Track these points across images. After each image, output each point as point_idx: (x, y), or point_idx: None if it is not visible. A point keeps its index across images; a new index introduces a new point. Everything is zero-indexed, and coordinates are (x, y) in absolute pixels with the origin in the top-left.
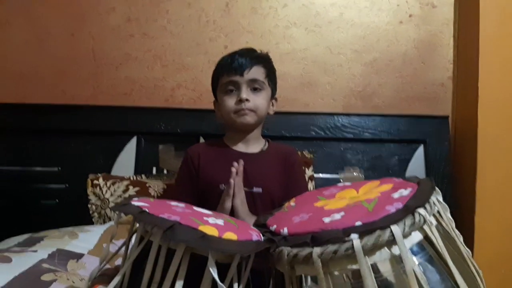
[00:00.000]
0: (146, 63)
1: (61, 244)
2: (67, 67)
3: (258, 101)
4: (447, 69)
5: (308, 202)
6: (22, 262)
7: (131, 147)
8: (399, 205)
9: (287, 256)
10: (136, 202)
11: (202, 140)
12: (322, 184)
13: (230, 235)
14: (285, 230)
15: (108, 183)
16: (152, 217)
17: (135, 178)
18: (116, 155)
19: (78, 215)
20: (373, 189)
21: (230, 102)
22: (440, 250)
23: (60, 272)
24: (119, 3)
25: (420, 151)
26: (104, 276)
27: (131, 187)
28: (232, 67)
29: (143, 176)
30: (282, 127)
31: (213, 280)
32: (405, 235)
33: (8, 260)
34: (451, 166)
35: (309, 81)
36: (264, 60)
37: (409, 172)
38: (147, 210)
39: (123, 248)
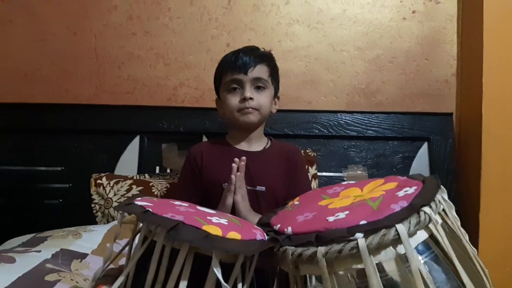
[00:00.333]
0: (148, 61)
1: (64, 244)
2: (70, 66)
3: (261, 100)
4: (450, 66)
5: (312, 201)
6: (26, 262)
7: (134, 146)
8: (404, 204)
9: (291, 256)
10: (139, 202)
11: (205, 138)
12: (325, 182)
13: (234, 235)
14: (289, 229)
15: (112, 183)
16: (155, 216)
17: (138, 177)
18: (119, 155)
19: (82, 215)
20: (377, 188)
21: (234, 100)
22: (446, 249)
23: (64, 272)
24: (121, 1)
25: (424, 148)
26: (108, 276)
27: (134, 187)
28: (236, 65)
29: (146, 175)
30: (285, 125)
31: (217, 280)
32: (411, 234)
33: (12, 260)
34: (455, 163)
35: (312, 78)
36: (267, 59)
37: (413, 169)
38: (150, 210)
39: (127, 248)
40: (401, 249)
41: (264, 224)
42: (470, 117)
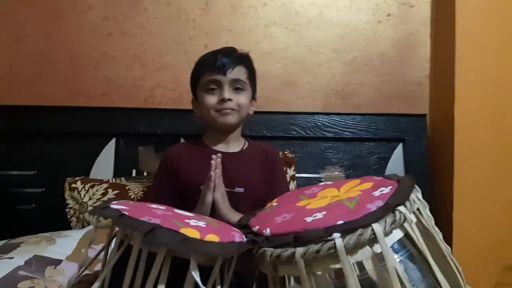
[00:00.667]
0: (124, 62)
1: (38, 250)
2: (43, 67)
3: (240, 100)
4: (424, 68)
5: (290, 202)
6: None
7: (110, 149)
8: (380, 203)
9: (270, 257)
10: (115, 206)
11: (182, 140)
12: (303, 183)
13: (212, 237)
14: (267, 231)
15: (87, 187)
16: (132, 220)
17: (114, 181)
18: (94, 158)
19: (56, 220)
20: (354, 188)
21: (212, 100)
22: (421, 248)
23: (38, 279)
24: (96, 0)
25: (399, 149)
26: (83, 282)
27: (110, 190)
28: (215, 66)
29: (122, 178)
30: (264, 127)
31: (196, 283)
32: (386, 233)
33: None
34: (429, 163)
35: (290, 80)
36: (246, 61)
37: (389, 170)
38: (126, 214)
39: (103, 253)
40: (377, 248)
41: (243, 226)
42: (443, 118)
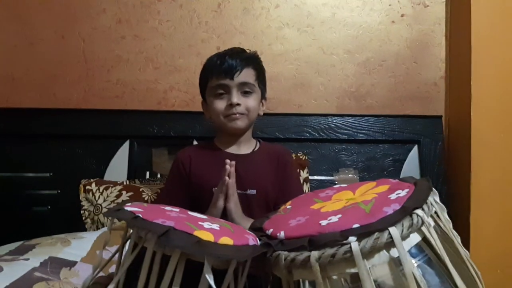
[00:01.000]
0: (138, 65)
1: (53, 252)
2: (58, 70)
3: (249, 104)
4: (439, 69)
5: (304, 205)
6: (14, 271)
7: (123, 151)
8: (397, 206)
9: (285, 261)
10: (129, 208)
11: (195, 143)
12: (317, 186)
13: (226, 240)
14: (282, 234)
15: (101, 189)
16: (146, 222)
17: (128, 183)
18: (108, 160)
19: (71, 222)
20: (369, 191)
21: (220, 105)
22: (439, 252)
23: (53, 281)
24: (110, 4)
25: (414, 151)
26: (98, 284)
27: (124, 192)
28: (221, 70)
29: (136, 180)
30: (276, 128)
31: (210, 286)
32: (404, 237)
33: None
34: (445, 165)
35: (302, 82)
36: (254, 61)
37: (404, 172)
38: (140, 216)
39: (117, 255)
40: (394, 252)
41: (256, 229)
42: (459, 120)
